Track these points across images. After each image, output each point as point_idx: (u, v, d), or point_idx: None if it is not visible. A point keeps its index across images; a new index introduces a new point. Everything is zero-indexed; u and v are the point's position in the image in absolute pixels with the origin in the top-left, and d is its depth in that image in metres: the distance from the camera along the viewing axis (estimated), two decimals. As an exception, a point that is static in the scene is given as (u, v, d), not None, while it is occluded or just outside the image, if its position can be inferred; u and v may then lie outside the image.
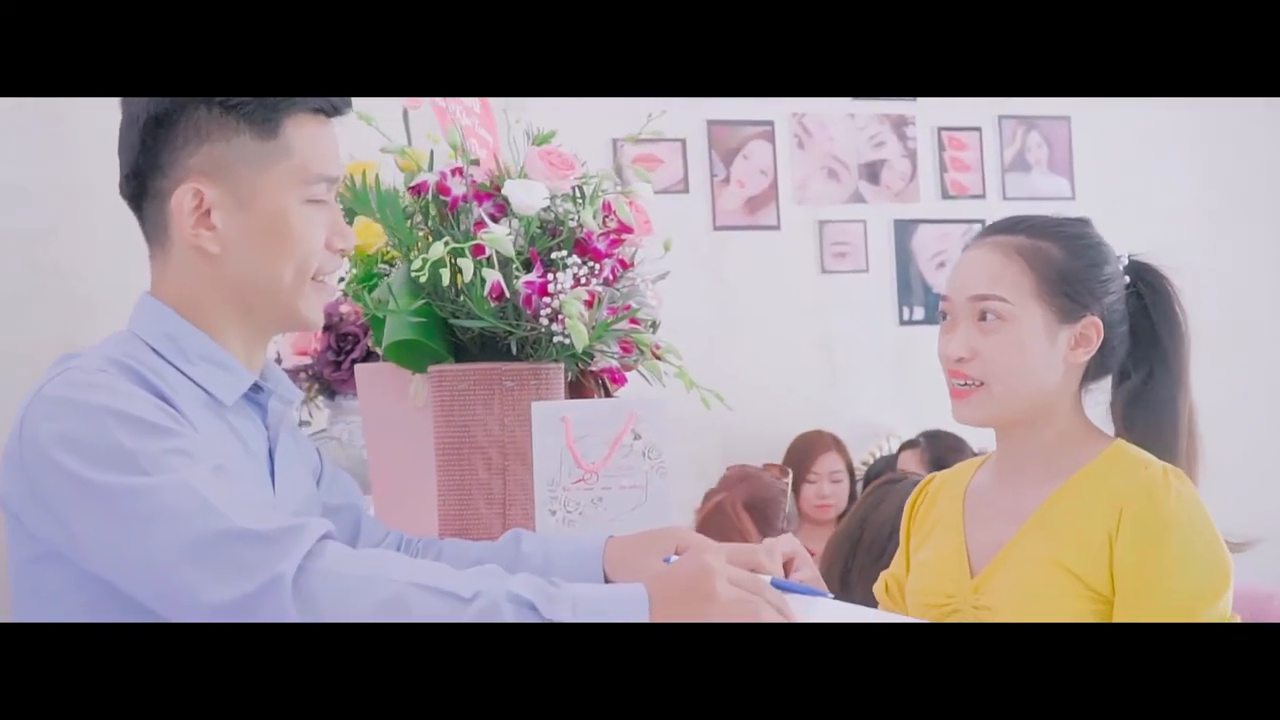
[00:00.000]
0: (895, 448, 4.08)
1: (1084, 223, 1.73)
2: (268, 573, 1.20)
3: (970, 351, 1.64)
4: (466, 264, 1.75)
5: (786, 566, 1.61)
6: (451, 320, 1.87)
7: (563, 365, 1.89)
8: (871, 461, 4.17)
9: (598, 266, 1.87)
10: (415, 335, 1.91)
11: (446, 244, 1.78)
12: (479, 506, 1.89)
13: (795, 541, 1.62)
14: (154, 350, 1.38)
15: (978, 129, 4.53)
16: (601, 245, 1.88)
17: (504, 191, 1.82)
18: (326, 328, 2.48)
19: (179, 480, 1.23)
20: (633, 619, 1.24)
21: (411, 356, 1.95)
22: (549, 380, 1.91)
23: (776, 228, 4.28)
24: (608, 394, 1.99)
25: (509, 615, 1.21)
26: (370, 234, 1.96)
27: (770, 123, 4.27)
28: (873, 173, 4.41)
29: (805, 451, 4.06)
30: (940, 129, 4.49)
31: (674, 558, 1.45)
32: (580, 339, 1.76)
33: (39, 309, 3.48)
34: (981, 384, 1.64)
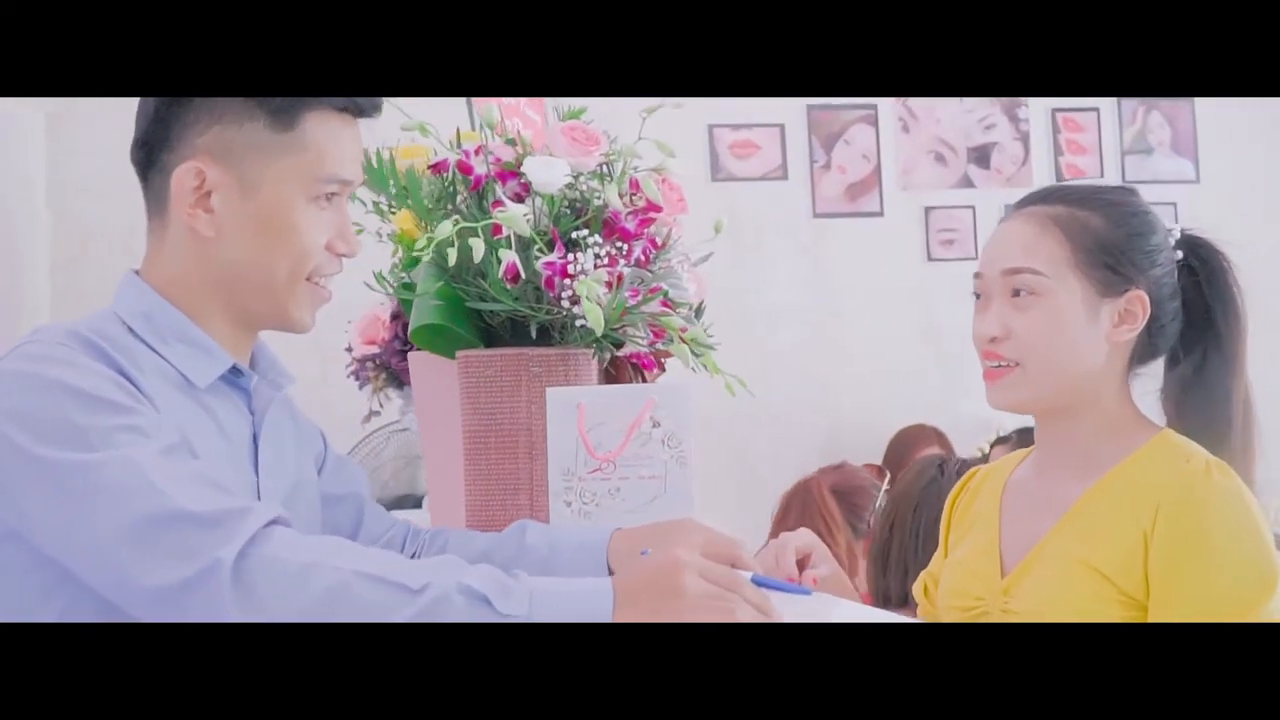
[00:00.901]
0: (1004, 442, 3.91)
1: (1127, 191, 1.59)
2: (207, 557, 1.14)
3: (1004, 330, 1.52)
4: (477, 244, 1.67)
5: (802, 563, 1.51)
6: (470, 304, 1.80)
7: (592, 351, 1.81)
8: (980, 456, 4.01)
9: (625, 247, 1.78)
10: (439, 319, 1.85)
11: (455, 223, 1.71)
12: (505, 496, 1.82)
13: (811, 536, 1.52)
14: (129, 328, 1.34)
15: (1095, 110, 4.33)
16: (630, 225, 1.79)
17: (523, 169, 1.74)
18: (394, 317, 2.43)
19: (124, 457, 1.18)
20: (595, 617, 1.16)
21: (439, 341, 1.89)
22: (577, 366, 1.82)
23: (880, 214, 4.14)
24: (644, 381, 1.91)
25: (460, 608, 1.14)
26: (412, 221, 1.91)
27: (873, 106, 4.13)
28: (982, 156, 4.25)
29: (906, 446, 3.91)
30: (1055, 110, 4.30)
31: (649, 551, 1.36)
32: (596, 322, 1.67)
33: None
34: (1017, 364, 1.52)
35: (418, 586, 1.14)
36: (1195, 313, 1.56)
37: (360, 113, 1.42)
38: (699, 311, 2.04)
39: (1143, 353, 1.55)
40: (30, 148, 3.32)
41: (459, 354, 1.87)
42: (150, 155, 1.36)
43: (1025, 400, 1.53)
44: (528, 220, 1.72)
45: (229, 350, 1.39)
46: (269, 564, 1.15)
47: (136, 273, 1.39)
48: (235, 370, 1.38)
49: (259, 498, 1.37)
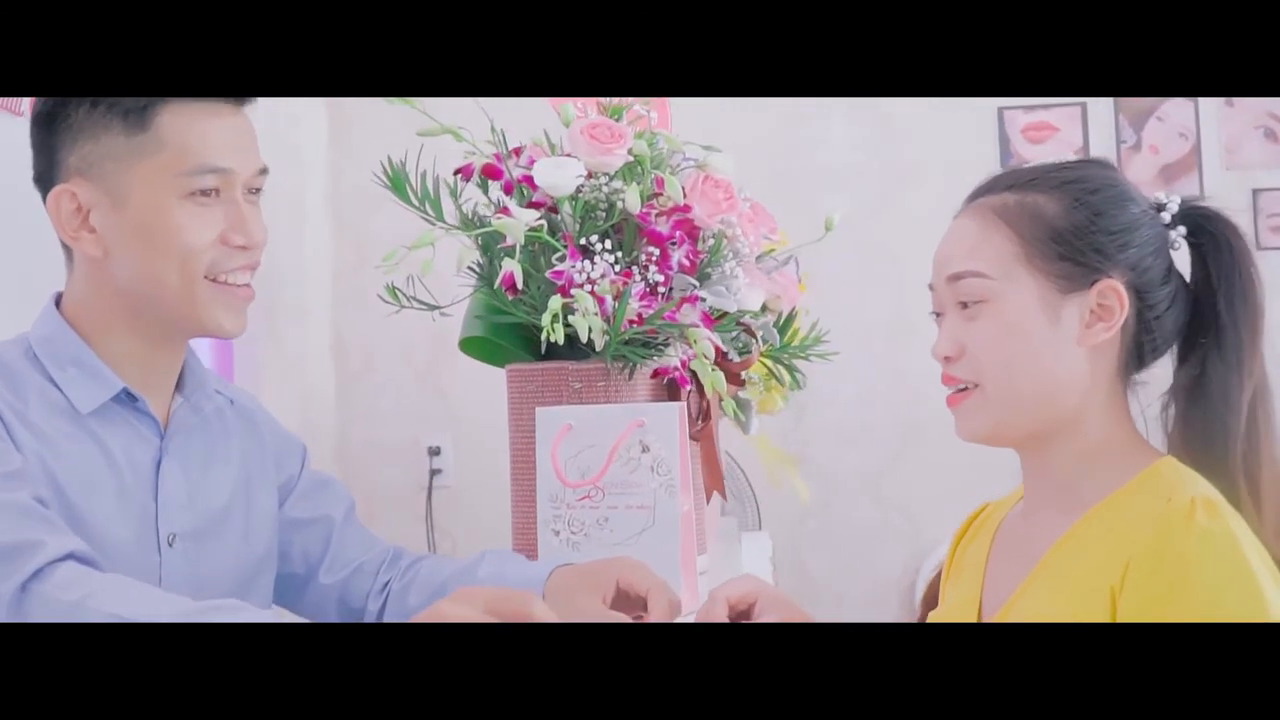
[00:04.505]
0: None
1: (1092, 164, 1.30)
2: None
3: (956, 347, 1.27)
4: (468, 254, 1.58)
5: (746, 614, 1.32)
6: (491, 317, 1.71)
7: (626, 366, 1.68)
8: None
9: (657, 251, 1.64)
10: (483, 332, 1.77)
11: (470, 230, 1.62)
12: (545, 517, 1.71)
13: (754, 582, 1.33)
14: (32, 353, 1.33)
15: None
16: (662, 226, 1.65)
17: (533, 172, 1.63)
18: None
19: None
20: None
21: (490, 352, 1.81)
22: (619, 381, 1.70)
23: (1200, 198, 3.68)
24: (702, 396, 1.75)
25: None
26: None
27: (1193, 78, 3.68)
28: (1327, 130, 3.71)
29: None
30: None
31: None
32: (584, 332, 1.54)
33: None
34: (975, 385, 1.27)
35: None
36: (1203, 301, 1.26)
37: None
38: (787, 320, 1.87)
39: (1136, 354, 1.27)
40: (313, 152, 3.46)
41: (507, 367, 1.79)
42: (45, 188, 1.34)
43: (990, 428, 1.27)
44: (539, 224, 1.61)
45: (136, 371, 1.35)
46: (44, 601, 1.11)
47: (57, 297, 1.38)
48: (130, 395, 1.35)
49: (156, 525, 1.33)
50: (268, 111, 3.01)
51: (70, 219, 1.32)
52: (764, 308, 1.84)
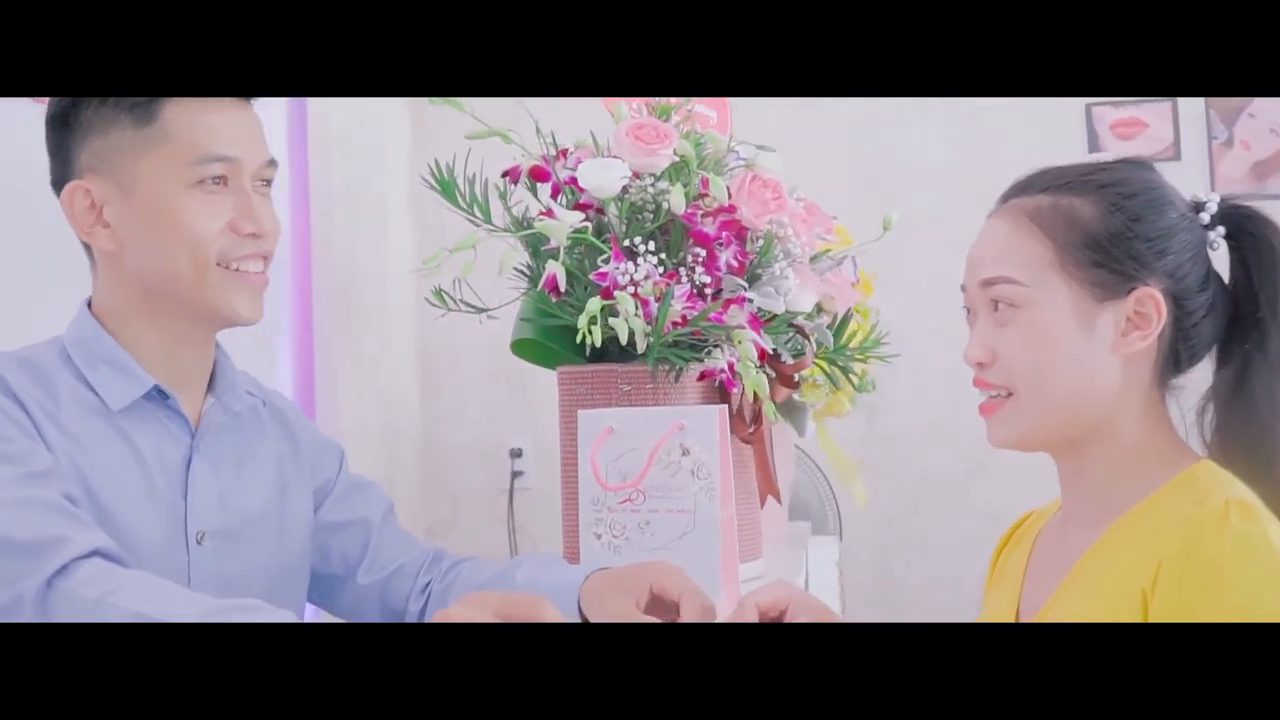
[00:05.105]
0: None
1: (1132, 165, 1.27)
2: (17, 586, 1.14)
3: (988, 353, 1.25)
4: (510, 256, 1.58)
5: (778, 620, 1.31)
6: (539, 320, 1.71)
7: (673, 368, 1.66)
8: None
9: (700, 253, 1.62)
10: (533, 335, 1.77)
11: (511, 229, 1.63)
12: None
13: (785, 589, 1.31)
14: (66, 354, 1.35)
15: None
16: (709, 227, 1.63)
17: (577, 173, 1.62)
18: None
19: None
20: None
21: (541, 354, 1.81)
22: (668, 384, 1.68)
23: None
24: (755, 399, 1.73)
25: None
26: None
27: (1288, 72, 3.58)
28: None
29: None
30: None
31: None
32: (623, 335, 1.54)
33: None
34: (1009, 394, 1.25)
35: None
36: (1243, 303, 1.23)
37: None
38: (843, 322, 1.84)
39: (1173, 360, 1.24)
40: (395, 153, 3.49)
41: (558, 370, 1.78)
42: (60, 189, 1.37)
43: (1022, 435, 1.25)
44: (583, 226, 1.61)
45: (163, 368, 1.37)
46: (68, 597, 1.13)
47: (89, 301, 1.41)
48: (161, 393, 1.36)
49: (185, 524, 1.35)
50: (350, 113, 3.06)
51: (85, 214, 1.35)
52: (819, 309, 1.81)
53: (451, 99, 1.61)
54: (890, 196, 3.33)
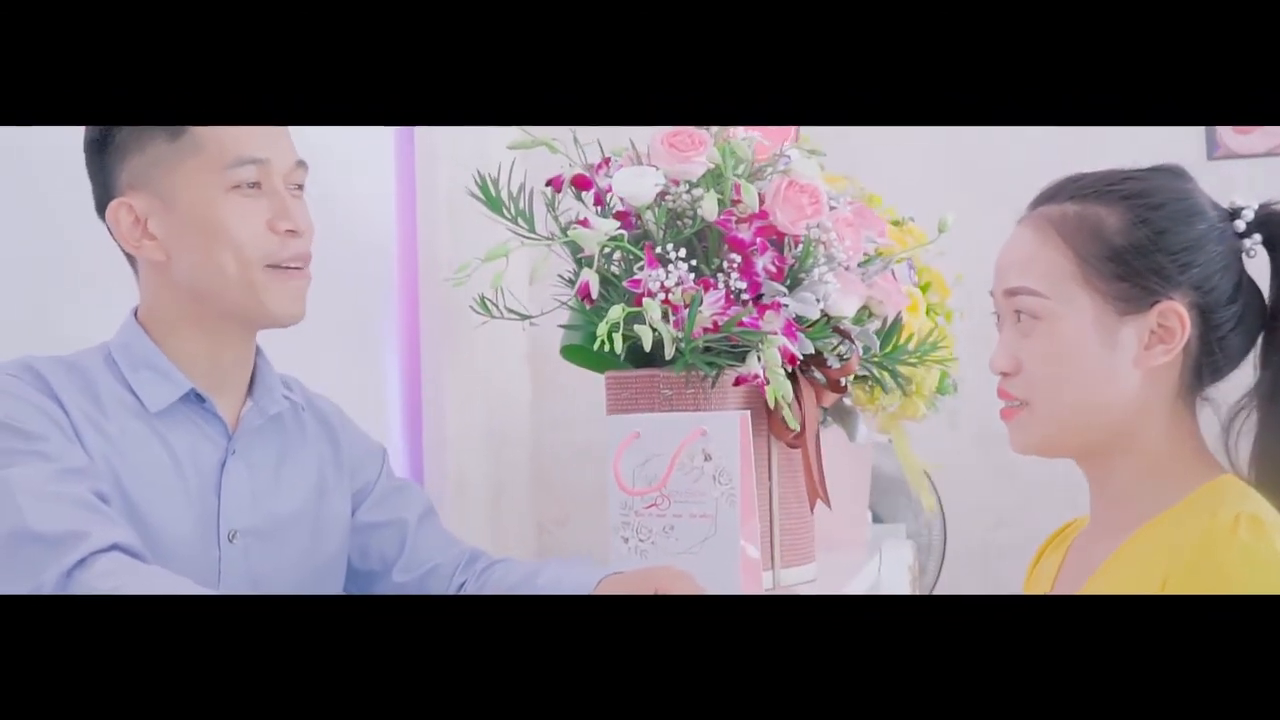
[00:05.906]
0: None
1: (1162, 173, 1.24)
2: (39, 577, 1.20)
3: (1013, 363, 1.25)
4: (542, 264, 1.61)
5: None
6: (575, 327, 1.74)
7: (708, 374, 1.67)
8: None
9: (735, 259, 1.63)
10: (580, 340, 1.80)
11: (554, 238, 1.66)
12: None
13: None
14: (111, 359, 1.42)
15: None
16: (744, 233, 1.64)
17: (612, 181, 1.65)
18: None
19: (5, 477, 1.25)
20: None
21: (590, 359, 1.83)
22: (706, 389, 1.70)
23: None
24: (800, 405, 1.73)
25: None
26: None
27: None
28: None
29: None
30: None
31: None
32: (646, 341, 1.56)
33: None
34: (1025, 404, 1.24)
35: None
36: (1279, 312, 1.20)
37: None
38: (891, 330, 1.83)
39: (1198, 374, 1.22)
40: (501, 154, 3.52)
41: (606, 374, 1.81)
42: (103, 212, 1.43)
43: (1041, 442, 1.25)
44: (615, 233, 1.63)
45: (204, 372, 1.43)
46: (84, 589, 1.18)
47: (135, 309, 1.47)
48: (198, 396, 1.42)
49: (217, 522, 1.41)
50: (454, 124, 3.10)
51: (130, 230, 1.41)
52: (868, 313, 1.81)
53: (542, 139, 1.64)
54: (1001, 196, 3.27)
